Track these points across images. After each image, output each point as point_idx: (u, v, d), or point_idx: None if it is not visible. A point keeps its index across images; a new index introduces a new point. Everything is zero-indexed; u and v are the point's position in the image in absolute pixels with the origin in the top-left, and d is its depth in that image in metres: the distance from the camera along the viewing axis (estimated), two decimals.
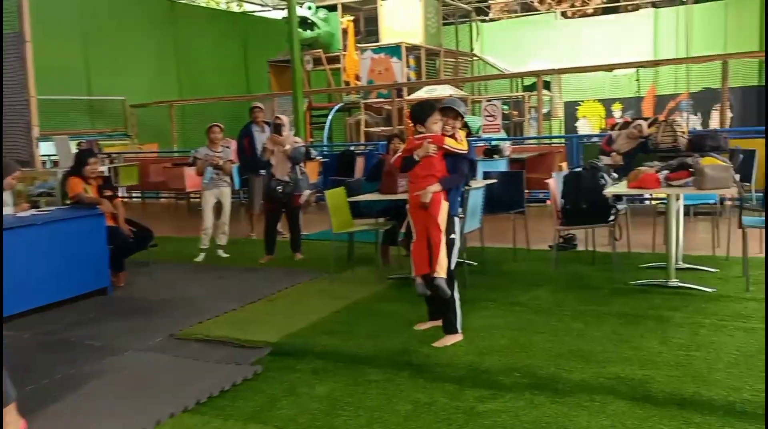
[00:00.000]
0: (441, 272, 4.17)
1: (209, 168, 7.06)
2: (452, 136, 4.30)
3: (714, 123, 14.16)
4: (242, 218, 8.98)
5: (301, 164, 6.87)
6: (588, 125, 16.80)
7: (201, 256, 7.14)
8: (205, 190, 7.20)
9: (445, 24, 15.87)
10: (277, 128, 6.73)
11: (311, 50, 14.68)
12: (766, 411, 3.11)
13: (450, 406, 3.47)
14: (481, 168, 7.46)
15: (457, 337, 4.32)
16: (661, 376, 3.61)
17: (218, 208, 7.22)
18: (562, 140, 11.06)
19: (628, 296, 5.07)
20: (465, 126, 4.68)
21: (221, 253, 7.28)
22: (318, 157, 9.81)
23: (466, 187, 5.56)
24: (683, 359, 3.82)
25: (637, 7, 17.59)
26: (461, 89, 14.55)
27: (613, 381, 3.58)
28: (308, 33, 14.37)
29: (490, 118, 10.97)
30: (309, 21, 14.39)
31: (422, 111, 4.38)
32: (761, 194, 6.32)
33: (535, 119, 12.77)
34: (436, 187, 4.23)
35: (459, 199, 4.39)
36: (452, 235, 4.27)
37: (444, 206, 4.23)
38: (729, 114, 11.23)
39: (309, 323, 4.81)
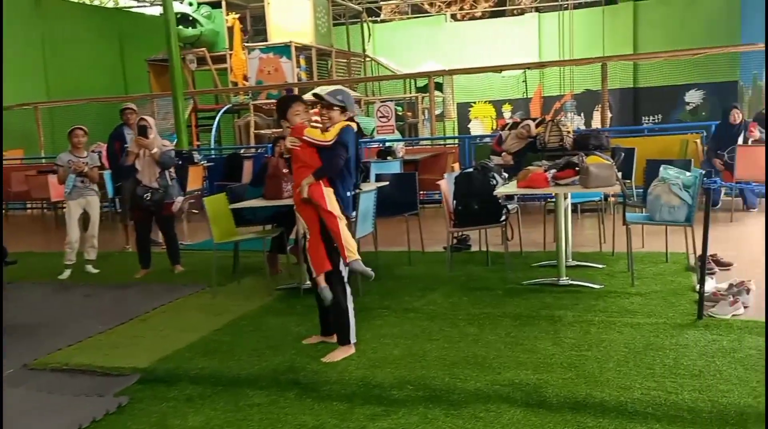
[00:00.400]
0: (352, 255, 3.94)
1: (72, 175, 6.40)
2: (325, 128, 4.02)
3: (596, 123, 14.82)
4: (120, 229, 8.28)
5: (171, 169, 6.36)
6: (480, 126, 17.15)
7: (66, 273, 6.46)
8: (68, 199, 6.52)
9: (335, 24, 15.63)
10: (141, 130, 6.17)
11: (194, 49, 13.98)
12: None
13: (339, 427, 3.22)
14: (374, 170, 7.29)
15: (349, 350, 4.07)
16: (554, 379, 3.53)
17: (86, 218, 6.57)
18: (455, 141, 11.10)
19: (522, 296, 5.02)
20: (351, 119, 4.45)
21: (90, 268, 6.62)
22: (202, 162, 9.26)
23: (357, 191, 5.34)
24: (576, 360, 3.77)
25: (522, 11, 18.16)
26: (355, 90, 14.36)
27: (508, 388, 3.46)
28: (190, 31, 13.66)
29: (384, 119, 10.85)
30: (191, 18, 13.68)
31: (283, 104, 4.15)
32: (641, 190, 6.51)
33: (429, 120, 12.80)
34: (308, 179, 3.97)
35: (348, 195, 4.11)
36: (335, 244, 4.00)
37: (328, 192, 3.97)
38: (609, 114, 11.72)
39: (186, 344, 4.39)
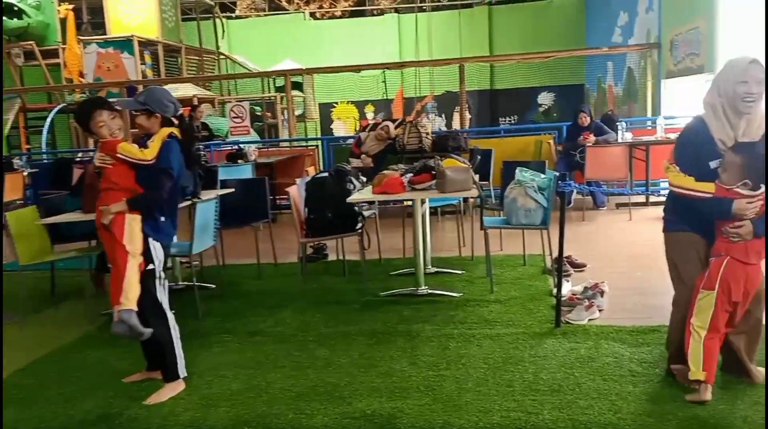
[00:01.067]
0: (127, 303, 3.24)
1: None
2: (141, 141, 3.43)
3: (456, 124, 15.00)
4: None
5: None
6: (344, 127, 16.84)
7: None
8: None
9: (185, 19, 14.61)
10: None
11: (21, 42, 12.46)
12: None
13: None
14: (223, 175, 6.69)
15: (177, 388, 3.49)
16: (410, 406, 3.19)
17: None
18: (315, 142, 10.66)
19: (379, 310, 4.68)
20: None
21: None
22: (23, 168, 8.12)
23: (194, 200, 4.76)
24: (433, 381, 3.46)
25: (382, 12, 18.09)
26: (209, 89, 13.51)
27: (360, 420, 3.09)
28: (15, 22, 12.16)
29: (238, 120, 10.18)
30: (16, 8, 12.17)
31: (82, 115, 3.47)
32: (499, 190, 6.44)
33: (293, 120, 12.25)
34: (119, 205, 3.34)
35: (163, 218, 3.49)
36: (150, 266, 3.39)
37: (132, 222, 3.34)
38: (468, 115, 11.83)
39: None
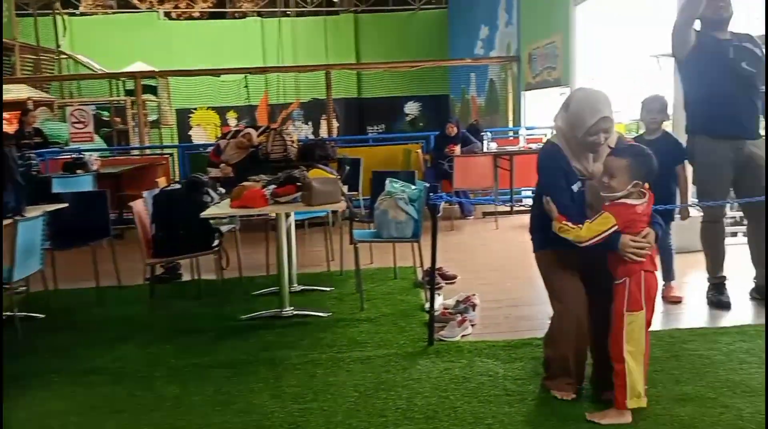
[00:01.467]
0: None
1: None
2: None
3: (323, 132, 14.73)
4: None
5: None
6: (204, 134, 15.99)
7: None
8: None
9: (21, 15, 13.14)
10: None
11: None
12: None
13: None
14: (57, 187, 5.93)
15: None
16: None
17: None
18: (170, 151, 9.87)
19: (238, 336, 4.22)
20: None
21: None
22: None
23: (16, 218, 4.08)
24: (298, 416, 3.10)
25: (244, 15, 17.43)
26: (47, 91, 12.23)
27: None
28: None
29: (79, 125, 9.19)
30: None
31: None
32: (368, 200, 6.22)
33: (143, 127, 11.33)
34: None
35: None
36: None
37: None
38: (335, 123, 11.59)
39: None
